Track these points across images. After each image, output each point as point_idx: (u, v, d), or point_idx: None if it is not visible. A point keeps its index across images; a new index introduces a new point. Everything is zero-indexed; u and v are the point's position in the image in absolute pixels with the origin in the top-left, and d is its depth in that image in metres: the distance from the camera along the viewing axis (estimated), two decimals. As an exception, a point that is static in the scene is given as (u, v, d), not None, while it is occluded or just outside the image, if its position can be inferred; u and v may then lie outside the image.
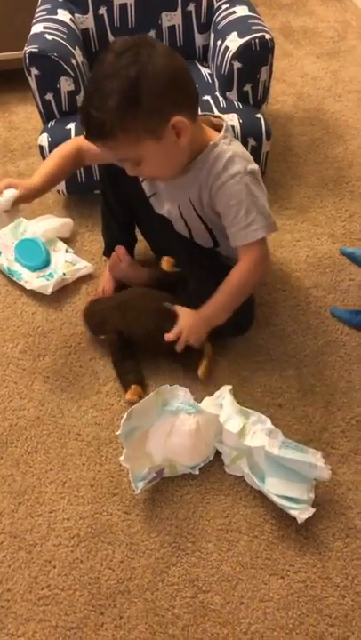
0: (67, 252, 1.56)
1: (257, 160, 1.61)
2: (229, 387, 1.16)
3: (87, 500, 1.13)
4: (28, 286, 1.46)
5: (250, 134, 1.57)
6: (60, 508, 1.12)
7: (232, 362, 1.34)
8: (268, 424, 1.10)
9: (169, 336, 1.22)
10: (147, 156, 1.08)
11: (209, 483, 1.15)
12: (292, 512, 1.05)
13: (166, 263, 1.32)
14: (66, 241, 1.59)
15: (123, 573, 1.04)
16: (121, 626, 0.99)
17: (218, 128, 1.19)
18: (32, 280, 1.47)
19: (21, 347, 1.38)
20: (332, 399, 1.27)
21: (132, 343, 1.33)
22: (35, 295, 1.47)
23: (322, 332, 1.40)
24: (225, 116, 1.28)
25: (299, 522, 1.05)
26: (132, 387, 1.27)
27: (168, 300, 1.30)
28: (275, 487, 1.07)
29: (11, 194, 1.17)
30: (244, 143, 1.56)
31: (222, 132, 1.17)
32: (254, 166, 1.18)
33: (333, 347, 1.37)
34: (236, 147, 1.18)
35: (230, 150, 1.15)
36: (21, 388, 1.30)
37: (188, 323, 1.23)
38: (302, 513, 1.05)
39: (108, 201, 1.43)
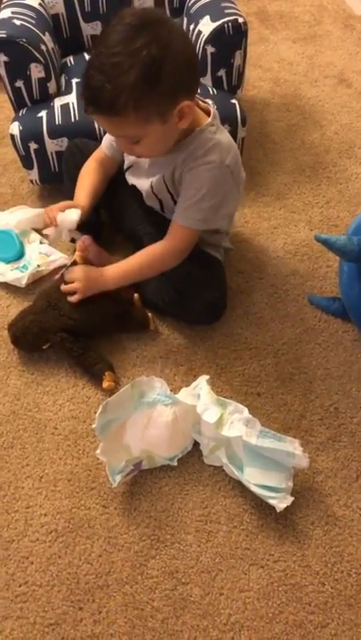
0: (40, 243, 1.53)
1: (233, 147, 1.60)
2: (207, 377, 1.15)
3: (65, 494, 1.12)
4: (1, 279, 1.43)
5: (225, 120, 1.53)
6: (37, 504, 1.11)
7: (209, 351, 1.33)
8: (246, 413, 1.09)
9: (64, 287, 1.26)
10: (148, 136, 1.07)
11: (187, 474, 1.14)
12: (271, 501, 1.05)
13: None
14: (40, 232, 1.56)
15: (101, 568, 1.03)
16: (100, 620, 0.98)
17: (206, 112, 1.19)
18: (6, 272, 1.44)
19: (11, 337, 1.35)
20: (310, 387, 1.27)
21: (81, 334, 1.29)
22: (9, 288, 1.44)
23: (300, 319, 1.39)
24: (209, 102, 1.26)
25: (278, 511, 1.05)
26: (106, 374, 1.25)
27: None
28: (253, 477, 1.06)
29: (76, 214, 1.28)
30: (220, 130, 1.54)
31: (210, 119, 1.17)
32: (232, 159, 1.18)
33: (311, 334, 1.36)
34: (222, 136, 1.18)
35: (214, 140, 1.15)
36: (-4, 382, 1.28)
37: (83, 276, 1.25)
38: (281, 502, 1.04)
39: (75, 176, 1.42)
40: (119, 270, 1.27)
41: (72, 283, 1.25)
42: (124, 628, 0.97)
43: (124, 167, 1.36)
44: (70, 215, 1.28)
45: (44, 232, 1.37)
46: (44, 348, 1.29)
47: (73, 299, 1.25)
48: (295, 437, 1.10)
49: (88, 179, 1.38)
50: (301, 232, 1.59)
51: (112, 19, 1.04)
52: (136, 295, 1.33)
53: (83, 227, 1.33)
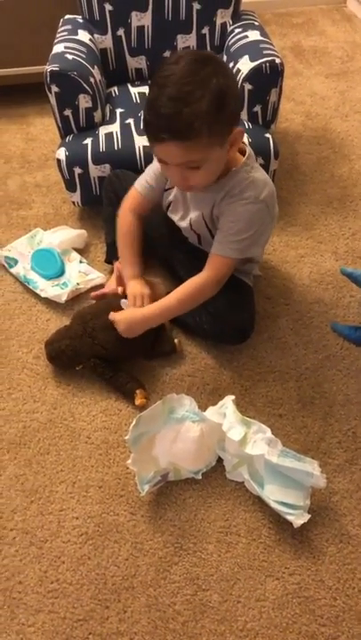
0: (80, 262, 1.63)
1: (265, 179, 1.68)
2: (232, 397, 1.22)
3: (95, 500, 1.20)
4: (42, 294, 1.53)
5: (258, 153, 1.63)
6: (70, 507, 1.19)
7: (235, 372, 1.40)
8: (269, 433, 1.16)
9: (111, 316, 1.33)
10: (209, 162, 1.14)
11: (211, 487, 1.21)
12: (289, 517, 1.11)
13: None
14: (80, 252, 1.66)
15: (127, 570, 1.11)
16: (125, 619, 1.05)
17: (241, 152, 1.27)
18: (47, 288, 1.54)
19: (35, 352, 1.45)
20: (330, 411, 1.33)
21: (113, 360, 1.38)
22: (49, 303, 1.54)
23: (322, 346, 1.46)
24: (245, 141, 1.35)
25: (295, 527, 1.11)
26: (137, 392, 1.33)
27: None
28: (273, 493, 1.13)
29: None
30: (253, 162, 1.63)
31: (245, 158, 1.25)
32: (267, 193, 1.25)
33: (333, 361, 1.43)
34: (257, 174, 1.26)
35: (250, 178, 1.24)
36: (35, 391, 1.37)
37: (125, 321, 1.32)
38: (298, 518, 1.11)
39: (114, 202, 1.51)
40: (160, 309, 1.31)
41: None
42: (147, 628, 1.04)
43: (165, 207, 1.44)
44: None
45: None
46: (77, 369, 1.38)
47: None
48: (314, 459, 1.16)
49: (130, 237, 1.44)
50: (327, 262, 1.67)
51: (167, 59, 1.13)
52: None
53: None
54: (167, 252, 1.50)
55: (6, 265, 1.63)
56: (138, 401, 1.32)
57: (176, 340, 1.43)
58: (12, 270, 1.61)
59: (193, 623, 1.05)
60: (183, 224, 1.39)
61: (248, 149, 1.27)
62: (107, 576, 1.10)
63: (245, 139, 1.60)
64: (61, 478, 1.23)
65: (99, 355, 1.35)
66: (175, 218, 1.42)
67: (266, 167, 1.67)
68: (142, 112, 1.15)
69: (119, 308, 1.37)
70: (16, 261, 1.62)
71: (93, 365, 1.35)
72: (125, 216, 1.44)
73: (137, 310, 1.34)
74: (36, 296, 1.56)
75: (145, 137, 1.20)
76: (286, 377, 1.40)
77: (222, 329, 1.40)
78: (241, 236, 1.25)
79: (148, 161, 1.55)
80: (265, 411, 1.33)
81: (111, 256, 1.59)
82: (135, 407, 1.33)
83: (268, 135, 1.67)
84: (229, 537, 1.15)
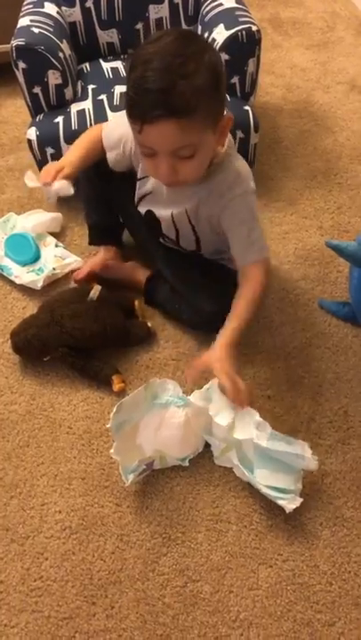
0: (56, 246, 1.56)
1: (246, 152, 1.62)
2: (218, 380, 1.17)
3: (78, 492, 1.15)
4: (17, 281, 1.46)
5: (238, 127, 1.57)
6: (52, 501, 1.13)
7: (221, 354, 1.35)
8: (257, 417, 1.11)
9: (190, 372, 1.17)
10: (201, 149, 1.04)
11: (199, 474, 1.16)
12: (281, 502, 1.07)
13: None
14: (55, 235, 1.60)
15: (114, 564, 1.06)
16: (112, 615, 1.01)
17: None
18: (22, 275, 1.48)
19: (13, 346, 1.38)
20: (320, 390, 1.29)
21: (82, 349, 1.31)
22: (25, 290, 1.47)
23: (310, 324, 1.41)
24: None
25: (287, 512, 1.07)
26: (113, 377, 1.28)
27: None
28: (264, 478, 1.09)
29: (68, 189, 1.24)
30: (233, 136, 1.56)
31: (226, 148, 1.16)
32: (254, 185, 1.20)
33: (321, 338, 1.38)
34: (240, 165, 1.19)
35: (234, 170, 1.17)
36: (12, 382, 1.31)
37: (219, 362, 1.09)
38: (290, 503, 1.07)
39: (94, 183, 1.42)
40: (234, 332, 1.14)
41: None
42: (136, 623, 1.00)
43: (136, 199, 1.34)
44: (63, 189, 1.24)
45: (28, 183, 1.32)
46: (44, 359, 1.32)
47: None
48: (305, 440, 1.12)
49: (84, 145, 1.31)
50: (313, 237, 1.61)
51: (146, 40, 1.04)
52: (137, 302, 1.36)
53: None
54: (143, 244, 1.43)
55: (-21, 252, 1.56)
56: (116, 387, 1.27)
57: (149, 324, 1.38)
58: (-15, 257, 1.55)
59: (184, 616, 1.01)
60: (164, 215, 1.29)
61: (229, 139, 1.18)
62: (92, 571, 1.05)
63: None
64: (42, 471, 1.18)
65: (68, 344, 1.29)
66: (154, 209, 1.31)
67: (246, 141, 1.61)
68: (125, 95, 1.03)
69: (87, 295, 1.32)
70: (-11, 248, 1.55)
71: (62, 355, 1.29)
72: (94, 135, 1.30)
73: (214, 349, 1.13)
74: (11, 283, 1.49)
75: (119, 113, 1.11)
76: (274, 357, 1.35)
77: (202, 322, 1.34)
78: (256, 231, 1.18)
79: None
80: (253, 392, 1.28)
81: (95, 238, 1.52)
82: (116, 394, 1.28)
83: (247, 107, 1.60)
84: (219, 525, 1.10)
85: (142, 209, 1.33)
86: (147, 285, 1.44)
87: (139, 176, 1.30)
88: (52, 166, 1.27)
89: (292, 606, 1.01)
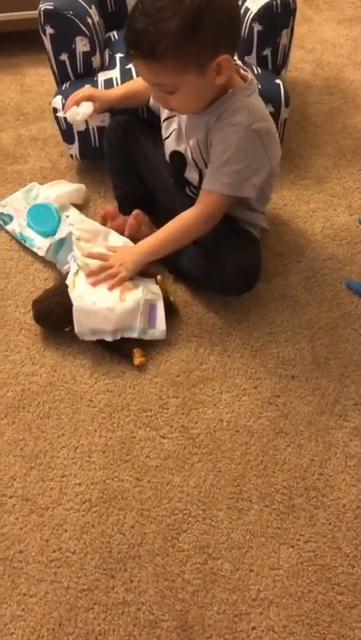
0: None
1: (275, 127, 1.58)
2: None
3: (99, 465, 1.13)
4: (40, 253, 1.44)
5: (268, 100, 1.51)
6: (72, 473, 1.12)
7: (244, 332, 1.33)
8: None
9: (92, 269, 1.28)
10: (184, 87, 1.08)
11: (220, 451, 1.15)
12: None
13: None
14: (78, 207, 1.57)
15: (133, 539, 1.05)
16: (131, 589, 1.00)
17: (244, 80, 1.19)
18: (44, 246, 1.45)
19: (34, 314, 1.37)
20: (345, 372, 1.26)
21: None
22: (47, 261, 1.45)
23: (337, 304, 1.38)
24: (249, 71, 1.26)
25: None
26: (135, 351, 1.26)
27: None
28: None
29: (88, 110, 1.33)
30: (263, 110, 1.53)
31: (246, 83, 1.17)
32: (263, 125, 1.17)
33: (348, 319, 1.35)
34: (254, 100, 1.18)
35: (244, 102, 1.15)
36: (34, 353, 1.30)
37: (120, 253, 1.31)
38: None
39: (118, 151, 1.46)
40: (155, 242, 1.28)
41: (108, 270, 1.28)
42: (155, 598, 0.99)
43: (163, 137, 1.35)
44: (82, 109, 1.32)
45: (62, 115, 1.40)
46: (66, 330, 1.29)
47: (116, 282, 1.26)
48: (329, 421, 1.10)
49: (134, 84, 1.41)
50: (341, 216, 1.57)
51: None
52: (159, 277, 1.34)
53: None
54: (171, 202, 1.41)
55: (1, 222, 1.54)
56: (137, 360, 1.25)
57: (172, 299, 1.35)
58: (8, 227, 1.52)
59: (203, 592, 1.00)
60: (184, 151, 1.30)
61: (250, 76, 1.19)
62: (112, 544, 1.04)
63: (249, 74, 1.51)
64: (63, 443, 1.17)
65: None
66: (178, 147, 1.32)
67: (276, 115, 1.56)
68: None
69: None
70: (11, 218, 1.53)
71: None
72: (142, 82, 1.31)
73: (126, 248, 1.34)
74: (34, 254, 1.47)
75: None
76: (299, 337, 1.32)
77: (225, 274, 1.29)
78: (231, 167, 1.16)
79: (151, 110, 1.45)
80: (277, 372, 1.26)
81: (124, 209, 1.49)
82: (137, 368, 1.26)
83: (278, 81, 1.56)
84: (240, 503, 1.09)
85: (167, 152, 1.36)
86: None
87: (167, 115, 1.33)
88: (79, 93, 1.38)
89: (313, 587, 1.00)
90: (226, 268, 1.29)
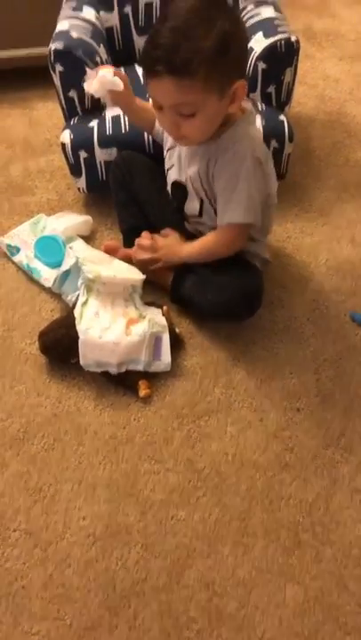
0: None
1: (279, 162, 1.61)
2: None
3: (103, 499, 1.13)
4: (47, 284, 1.45)
5: (273, 136, 1.56)
6: (76, 507, 1.12)
7: (249, 365, 1.33)
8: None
9: (144, 242, 1.37)
10: (203, 110, 1.09)
11: (225, 485, 1.14)
12: None
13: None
14: (85, 239, 1.59)
15: (138, 574, 1.04)
16: (135, 627, 0.98)
17: (242, 111, 1.22)
18: (51, 277, 1.46)
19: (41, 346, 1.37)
20: (350, 405, 1.26)
21: None
22: (53, 292, 1.46)
23: (341, 336, 1.39)
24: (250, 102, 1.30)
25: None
26: (140, 382, 1.27)
27: None
28: None
29: (110, 73, 1.23)
30: (267, 145, 1.55)
31: (245, 115, 1.20)
32: (262, 154, 1.20)
33: (353, 352, 1.35)
34: (253, 129, 1.22)
35: (246, 132, 1.19)
36: (39, 384, 1.30)
37: (164, 241, 1.39)
38: None
39: (123, 186, 1.48)
40: (191, 248, 1.34)
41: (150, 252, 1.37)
42: (160, 637, 0.97)
43: (166, 168, 1.38)
44: (108, 79, 1.23)
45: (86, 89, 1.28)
46: (72, 362, 1.30)
47: (155, 266, 1.37)
48: (334, 455, 1.10)
49: (150, 106, 1.37)
50: (344, 249, 1.59)
51: None
52: (165, 308, 1.36)
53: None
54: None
55: (8, 253, 1.56)
56: (142, 392, 1.25)
57: (177, 330, 1.36)
58: (15, 258, 1.54)
59: (208, 631, 0.98)
60: (185, 180, 1.32)
61: (249, 106, 1.24)
62: (116, 580, 1.03)
63: (259, 121, 1.54)
64: (67, 476, 1.16)
65: None
66: (177, 177, 1.34)
67: (280, 150, 1.59)
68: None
69: None
70: (19, 249, 1.55)
71: None
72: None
73: (174, 240, 1.39)
74: (40, 285, 1.49)
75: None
76: (304, 369, 1.32)
77: (228, 299, 1.30)
78: (242, 196, 1.18)
79: (157, 145, 1.48)
80: (282, 405, 1.26)
81: (129, 242, 1.51)
82: (142, 400, 1.26)
83: (282, 117, 1.59)
84: (246, 538, 1.08)
85: (169, 183, 1.38)
86: (174, 278, 1.42)
87: (169, 146, 1.35)
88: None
89: (319, 627, 0.98)
90: (228, 293, 1.30)
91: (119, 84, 1.24)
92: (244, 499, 1.13)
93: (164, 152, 1.38)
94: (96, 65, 1.51)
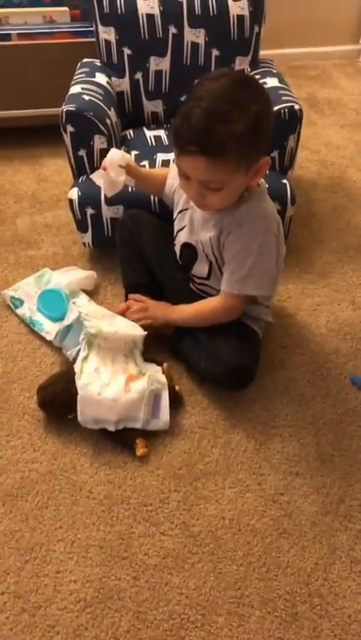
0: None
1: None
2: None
3: (95, 562, 1.10)
4: (48, 337, 1.46)
5: (275, 199, 1.58)
6: (68, 569, 1.08)
7: (249, 425, 1.32)
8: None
9: (130, 304, 1.42)
10: (230, 186, 1.12)
11: (221, 551, 1.11)
12: None
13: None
14: (89, 293, 1.60)
15: (128, 645, 1.00)
16: None
17: (258, 183, 1.25)
18: (53, 331, 1.47)
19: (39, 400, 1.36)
20: (350, 470, 1.24)
21: None
22: (54, 346, 1.46)
23: (341, 399, 1.38)
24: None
25: None
26: (137, 441, 1.25)
27: None
28: None
29: (120, 153, 1.31)
30: (270, 208, 1.59)
31: (259, 189, 1.23)
32: (276, 227, 1.23)
33: (353, 416, 1.35)
34: (267, 204, 1.24)
35: (260, 209, 1.21)
36: (35, 439, 1.29)
37: (154, 304, 1.42)
38: None
39: (129, 243, 1.51)
40: (184, 314, 1.37)
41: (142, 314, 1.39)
42: None
43: (176, 229, 1.41)
44: (114, 153, 1.31)
45: (95, 180, 1.37)
46: (69, 417, 1.28)
47: (148, 326, 1.38)
48: (333, 522, 1.07)
49: (155, 172, 1.48)
50: (345, 311, 1.60)
51: (207, 76, 1.11)
52: (165, 365, 1.36)
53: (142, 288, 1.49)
54: (177, 297, 1.44)
55: (12, 305, 1.57)
56: (139, 451, 1.24)
57: (177, 387, 1.36)
58: (18, 311, 1.55)
59: None
60: (198, 246, 1.34)
61: (262, 181, 1.26)
62: (105, 650, 0.99)
63: (262, 185, 1.58)
64: (60, 536, 1.13)
65: None
66: (189, 240, 1.36)
67: (282, 213, 1.62)
68: (173, 124, 1.14)
69: None
70: (22, 302, 1.56)
71: None
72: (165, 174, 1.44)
73: (167, 305, 1.42)
74: (41, 338, 1.49)
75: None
76: (304, 432, 1.31)
77: (219, 371, 1.32)
78: (257, 271, 1.21)
79: (163, 204, 1.51)
80: (281, 468, 1.24)
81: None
82: (139, 459, 1.24)
83: (285, 181, 1.64)
84: (241, 608, 1.04)
85: (178, 244, 1.40)
86: (174, 332, 1.43)
87: (181, 208, 1.37)
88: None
89: None
90: (221, 367, 1.32)
91: (125, 157, 1.31)
92: (241, 566, 1.10)
93: (175, 213, 1.40)
94: (105, 126, 1.56)
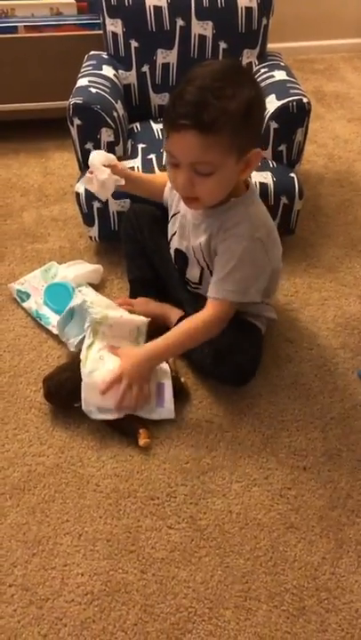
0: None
1: (288, 218, 1.64)
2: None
3: (103, 555, 1.10)
4: (55, 331, 1.46)
5: (283, 193, 1.59)
6: (75, 562, 1.09)
7: (256, 419, 1.32)
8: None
9: (102, 386, 1.23)
10: (221, 171, 1.09)
11: (228, 545, 1.11)
12: None
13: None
14: (95, 287, 1.60)
15: (136, 637, 1.00)
16: None
17: (246, 185, 1.24)
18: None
19: (45, 391, 1.36)
20: (357, 465, 1.24)
21: None
22: (61, 339, 1.46)
23: (349, 394, 1.37)
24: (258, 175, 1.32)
25: None
26: (141, 431, 1.25)
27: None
28: None
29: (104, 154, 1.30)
30: (277, 201, 1.59)
31: (248, 192, 1.22)
32: (263, 232, 1.21)
33: (360, 411, 1.34)
34: (254, 208, 1.22)
35: (246, 213, 1.19)
36: (42, 433, 1.29)
37: (128, 364, 1.24)
38: None
39: (133, 238, 1.50)
40: (159, 347, 1.24)
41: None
42: None
43: (169, 235, 1.39)
44: (95, 153, 1.30)
45: (88, 187, 1.34)
46: (75, 406, 1.28)
47: (134, 394, 1.24)
48: (340, 517, 1.07)
49: (151, 175, 1.48)
50: (352, 306, 1.60)
51: (199, 63, 1.10)
52: (172, 359, 1.36)
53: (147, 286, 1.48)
54: (176, 294, 1.44)
55: (18, 299, 1.57)
56: (142, 441, 1.24)
57: (182, 379, 1.35)
58: (25, 304, 1.55)
59: None
60: (186, 250, 1.33)
61: (251, 183, 1.24)
62: (113, 643, 0.99)
63: (270, 178, 1.57)
64: (67, 529, 1.13)
65: None
66: (181, 246, 1.35)
67: (290, 207, 1.62)
68: (165, 107, 1.14)
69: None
70: (29, 295, 1.56)
71: None
72: (162, 179, 1.41)
73: (134, 353, 1.26)
74: (48, 332, 1.49)
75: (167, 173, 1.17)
76: (311, 427, 1.31)
77: (221, 367, 1.32)
78: (236, 276, 1.19)
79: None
80: (288, 462, 1.24)
81: (135, 293, 1.53)
82: (145, 452, 1.24)
83: (292, 175, 1.63)
84: (249, 602, 1.04)
85: (172, 249, 1.39)
86: (177, 322, 1.42)
87: (173, 212, 1.36)
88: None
89: None
90: (222, 364, 1.31)
91: (108, 156, 1.30)
92: (248, 560, 1.09)
93: (169, 217, 1.39)
94: (113, 119, 1.56)
